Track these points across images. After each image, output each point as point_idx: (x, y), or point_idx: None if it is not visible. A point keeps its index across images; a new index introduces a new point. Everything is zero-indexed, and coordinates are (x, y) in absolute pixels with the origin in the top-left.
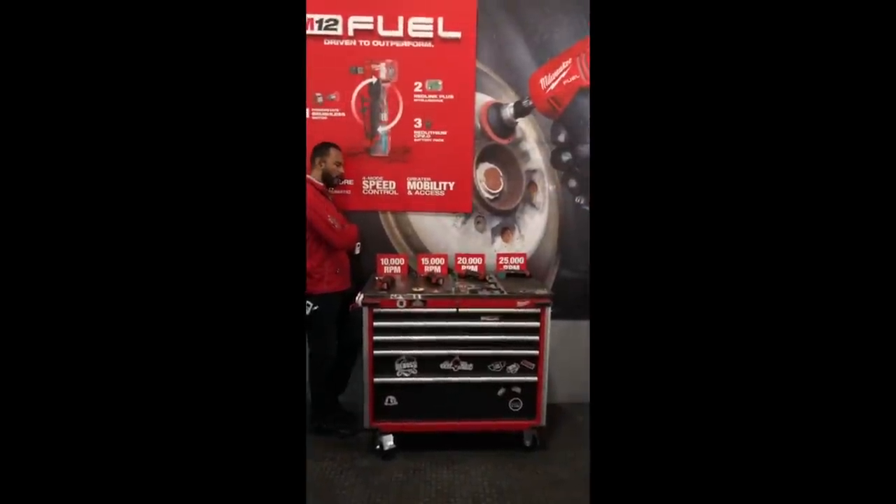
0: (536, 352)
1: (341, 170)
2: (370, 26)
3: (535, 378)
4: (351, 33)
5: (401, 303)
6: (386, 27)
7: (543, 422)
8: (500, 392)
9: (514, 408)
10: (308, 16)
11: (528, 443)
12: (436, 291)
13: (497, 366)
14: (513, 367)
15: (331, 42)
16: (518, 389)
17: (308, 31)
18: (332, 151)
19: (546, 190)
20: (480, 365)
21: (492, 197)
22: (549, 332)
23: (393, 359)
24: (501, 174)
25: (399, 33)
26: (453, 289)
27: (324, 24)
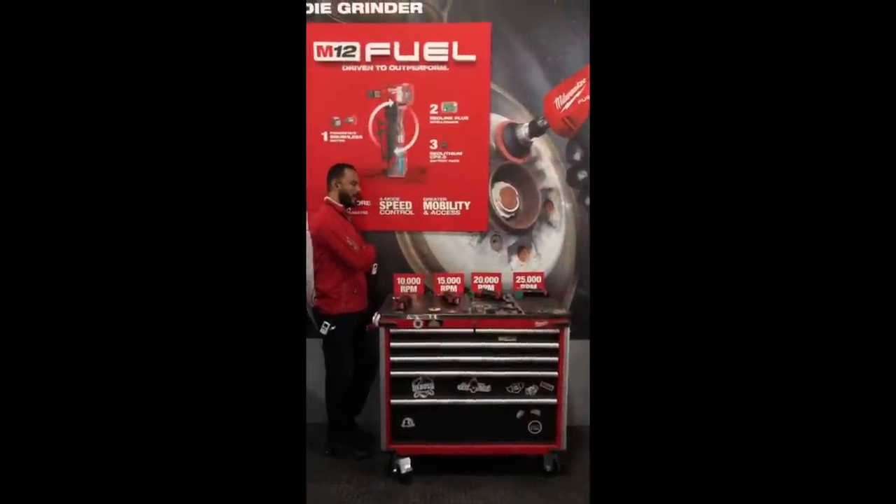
0: (555, 373)
1: (357, 188)
2: (387, 52)
3: (555, 400)
4: (368, 59)
5: (417, 323)
6: (402, 52)
7: (564, 445)
8: (519, 414)
9: (533, 430)
10: (327, 43)
11: (548, 467)
12: (452, 311)
13: (515, 387)
14: (531, 389)
15: (349, 68)
16: (537, 412)
17: (327, 58)
18: (347, 172)
19: (562, 208)
20: (498, 386)
21: (508, 216)
22: (568, 352)
23: (410, 380)
24: (517, 193)
25: (415, 58)
26: (470, 309)
27: (342, 51)
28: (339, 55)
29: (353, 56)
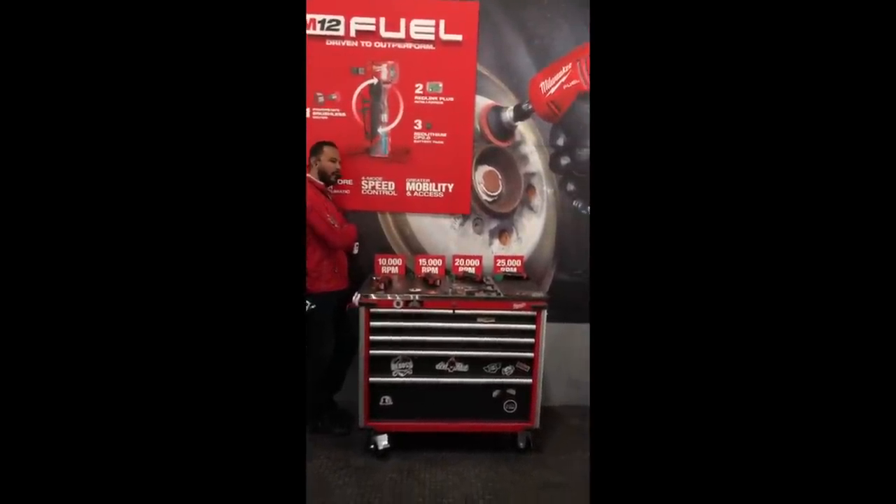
0: (532, 354)
1: (337, 166)
2: (372, 28)
3: (530, 380)
4: (353, 34)
5: (398, 303)
6: (388, 29)
7: (538, 424)
8: (495, 394)
9: (508, 409)
10: (310, 16)
11: (521, 445)
12: (433, 292)
13: (492, 367)
14: (508, 369)
15: (333, 42)
16: (513, 391)
17: (310, 32)
18: (326, 149)
19: (544, 193)
20: (476, 366)
21: (490, 199)
22: (544, 334)
23: (389, 359)
24: (500, 177)
25: (401, 35)
26: (450, 290)
27: (326, 25)
28: (322, 28)
29: (338, 30)
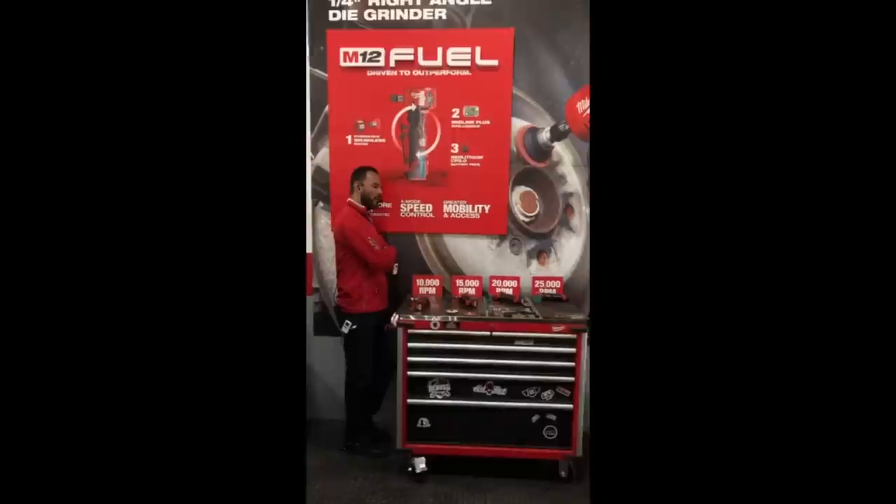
0: (572, 378)
1: (379, 191)
2: (411, 57)
3: (571, 406)
4: (392, 64)
5: (435, 324)
6: (426, 57)
7: (580, 452)
8: (535, 419)
9: (548, 436)
10: (353, 49)
11: (563, 473)
12: (470, 314)
13: (531, 391)
14: (547, 394)
15: (374, 73)
16: (553, 417)
17: (353, 64)
18: (369, 175)
19: (583, 213)
20: (514, 390)
21: (527, 220)
22: (585, 358)
23: (426, 380)
24: (537, 197)
25: (438, 63)
26: (487, 312)
27: (367, 57)
28: (364, 60)
29: (378, 61)
